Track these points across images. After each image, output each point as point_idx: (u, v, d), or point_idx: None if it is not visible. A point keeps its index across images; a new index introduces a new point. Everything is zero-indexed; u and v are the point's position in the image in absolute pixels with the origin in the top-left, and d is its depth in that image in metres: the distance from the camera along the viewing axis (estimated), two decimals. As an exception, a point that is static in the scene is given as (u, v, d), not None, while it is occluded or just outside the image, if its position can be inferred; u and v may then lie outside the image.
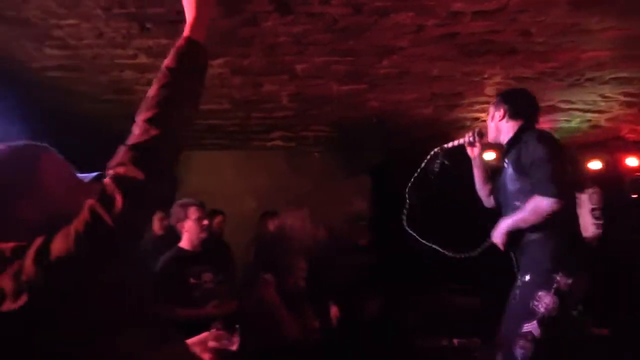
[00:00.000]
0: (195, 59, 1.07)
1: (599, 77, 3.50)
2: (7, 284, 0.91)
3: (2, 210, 1.02)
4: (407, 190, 2.59)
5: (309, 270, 3.54)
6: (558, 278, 2.04)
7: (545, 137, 2.16)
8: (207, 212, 3.15)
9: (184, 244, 2.93)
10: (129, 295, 1.05)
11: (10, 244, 0.98)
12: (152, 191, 0.96)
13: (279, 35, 2.92)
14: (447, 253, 2.49)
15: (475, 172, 2.52)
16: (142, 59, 3.25)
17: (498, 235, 2.18)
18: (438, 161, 2.48)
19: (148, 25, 2.82)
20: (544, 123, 4.45)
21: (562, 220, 2.07)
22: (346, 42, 3.01)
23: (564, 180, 2.04)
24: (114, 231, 0.90)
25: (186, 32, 1.08)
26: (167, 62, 1.04)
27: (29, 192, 1.03)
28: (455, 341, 3.84)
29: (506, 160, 2.27)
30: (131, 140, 0.98)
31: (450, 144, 2.49)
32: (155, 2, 2.57)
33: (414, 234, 2.58)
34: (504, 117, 2.30)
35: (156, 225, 4.07)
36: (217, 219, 4.52)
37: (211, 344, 1.35)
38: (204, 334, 1.37)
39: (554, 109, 4.13)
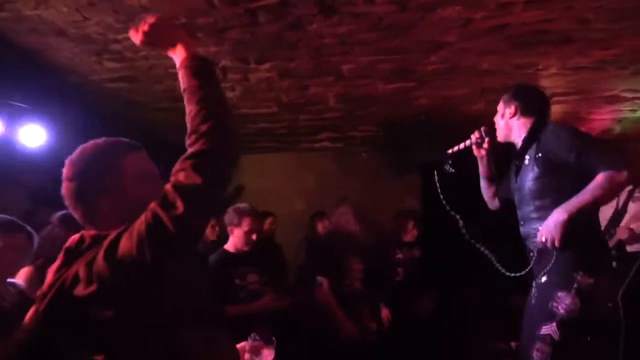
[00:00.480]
0: (206, 68, 1.13)
1: (667, 63, 3.26)
2: (82, 270, 1.00)
3: (86, 202, 1.10)
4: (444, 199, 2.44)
5: (364, 272, 3.53)
6: (579, 278, 1.91)
7: (569, 126, 2.07)
8: (259, 214, 3.20)
9: (229, 246, 2.99)
10: (186, 298, 1.09)
11: (91, 232, 1.06)
12: (210, 197, 1.00)
13: (324, 37, 2.94)
14: (502, 269, 2.36)
15: (482, 173, 2.44)
16: (194, 67, 3.38)
17: (556, 226, 1.89)
18: (446, 168, 2.39)
19: (198, 35, 2.92)
20: (606, 114, 4.21)
21: (582, 218, 1.93)
22: (392, 40, 2.98)
23: (619, 152, 1.92)
24: (173, 234, 0.94)
25: (184, 54, 1.14)
26: (186, 82, 1.10)
27: (110, 189, 1.10)
28: (513, 344, 3.69)
29: (527, 158, 2.13)
30: (189, 150, 1.02)
31: (455, 148, 2.37)
32: (204, 12, 2.66)
33: (480, 246, 2.46)
34: (515, 114, 2.20)
35: (209, 231, 4.18)
36: (268, 221, 4.60)
37: (246, 356, 1.36)
38: (242, 344, 1.39)
39: (617, 99, 3.89)
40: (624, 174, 1.85)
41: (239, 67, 3.39)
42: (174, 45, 1.15)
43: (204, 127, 1.01)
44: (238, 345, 1.39)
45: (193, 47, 1.15)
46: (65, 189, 1.13)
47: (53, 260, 1.12)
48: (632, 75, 3.44)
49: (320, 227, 4.44)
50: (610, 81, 3.54)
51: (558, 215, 1.90)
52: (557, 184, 1.99)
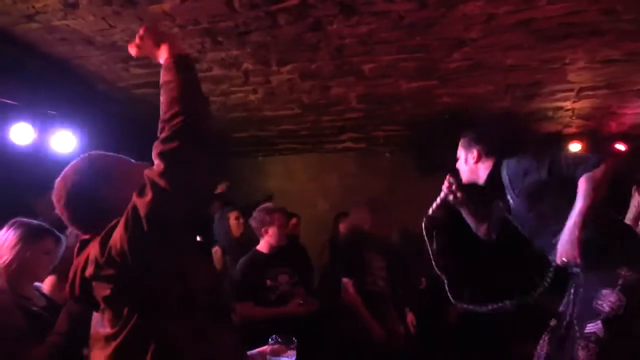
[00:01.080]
0: (183, 64, 1.17)
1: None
2: (91, 254, 1.08)
3: (93, 205, 1.18)
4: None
5: (387, 271, 3.50)
6: (623, 273, 1.87)
7: (526, 153, 2.16)
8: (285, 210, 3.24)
9: (262, 247, 3.02)
10: (176, 287, 1.12)
11: (112, 223, 1.10)
12: (176, 183, 1.01)
13: (345, 37, 2.94)
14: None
15: (467, 218, 2.46)
16: (216, 71, 3.43)
17: (572, 245, 1.87)
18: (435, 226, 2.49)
19: (220, 39, 2.96)
20: (638, 108, 4.07)
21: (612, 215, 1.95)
22: (413, 38, 2.96)
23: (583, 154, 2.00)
24: (145, 220, 0.99)
25: (165, 55, 1.18)
26: (162, 78, 1.14)
27: (107, 189, 1.18)
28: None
29: (510, 198, 2.18)
30: (159, 137, 1.06)
31: (432, 208, 2.41)
32: (225, 17, 2.70)
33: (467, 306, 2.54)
34: (479, 159, 2.26)
35: (234, 226, 4.21)
36: (292, 222, 4.61)
37: (267, 359, 1.36)
38: (264, 347, 1.40)
39: (648, 93, 3.76)
40: (600, 169, 1.90)
41: (261, 70, 3.42)
42: (159, 49, 1.21)
43: (173, 121, 1.05)
44: (258, 349, 1.40)
45: (175, 48, 1.20)
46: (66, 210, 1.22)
47: None
48: (665, 67, 3.32)
49: (342, 227, 4.43)
50: (641, 74, 3.43)
51: (568, 235, 1.90)
52: (552, 203, 2.03)
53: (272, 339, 1.40)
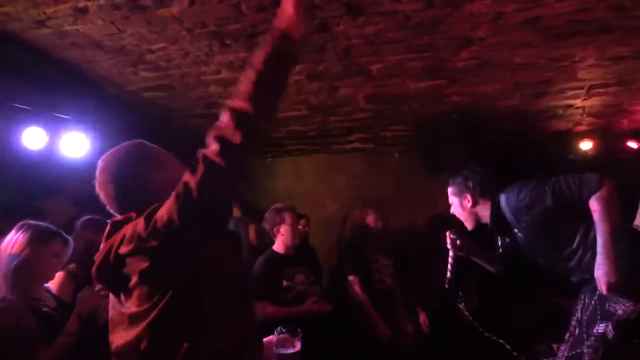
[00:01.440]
0: (287, 54, 1.19)
1: None
2: (129, 232, 1.13)
3: (139, 184, 1.24)
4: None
5: (395, 271, 3.49)
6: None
7: (516, 186, 2.15)
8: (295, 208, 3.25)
9: (278, 247, 3.04)
10: (213, 266, 1.17)
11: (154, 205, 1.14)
12: (228, 163, 1.07)
13: (352, 38, 2.94)
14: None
15: (479, 261, 2.48)
16: (225, 74, 3.45)
17: (614, 269, 1.85)
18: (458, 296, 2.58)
19: (228, 42, 2.98)
20: (648, 106, 4.02)
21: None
22: (421, 38, 2.95)
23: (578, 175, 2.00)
24: (196, 198, 1.03)
25: (283, 26, 1.19)
26: (260, 57, 1.15)
27: (154, 172, 1.26)
28: (555, 347, 3.57)
29: (517, 231, 2.18)
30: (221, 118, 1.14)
31: (449, 271, 2.41)
32: (233, 20, 2.71)
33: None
34: (474, 203, 2.26)
35: (252, 235, 4.28)
36: (302, 222, 4.61)
37: (274, 349, 1.38)
38: (270, 337, 1.42)
39: (659, 90, 3.71)
40: (606, 186, 1.91)
41: (269, 72, 3.43)
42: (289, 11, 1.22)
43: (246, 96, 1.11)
44: (266, 339, 1.42)
45: (298, 26, 1.21)
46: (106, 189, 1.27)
47: (83, 265, 1.23)
48: (676, 63, 3.28)
49: (348, 227, 4.45)
50: (652, 71, 3.39)
51: (606, 260, 1.87)
52: (562, 229, 2.05)
53: (277, 330, 1.41)
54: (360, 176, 5.58)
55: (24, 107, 3.33)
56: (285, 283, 2.90)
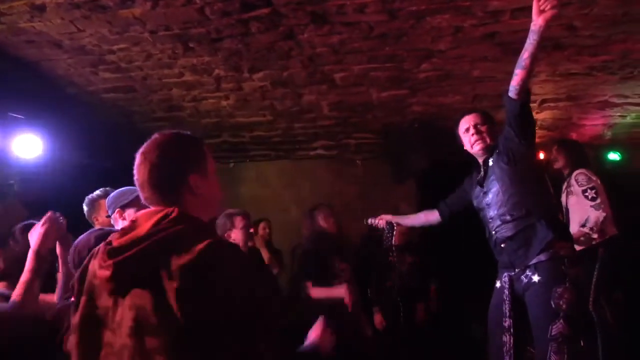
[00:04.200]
0: None
1: (656, 68, 3.30)
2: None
3: (177, 172, 1.18)
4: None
5: (353, 273, 3.51)
6: (566, 270, 1.99)
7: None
8: (252, 221, 3.22)
9: None
10: None
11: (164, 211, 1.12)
12: None
13: (317, 46, 2.97)
14: None
15: (410, 224, 2.93)
16: (188, 77, 3.41)
17: None
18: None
19: (191, 45, 2.95)
20: (597, 120, 4.25)
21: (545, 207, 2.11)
22: (384, 49, 3.02)
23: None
24: None
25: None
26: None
27: (197, 165, 1.21)
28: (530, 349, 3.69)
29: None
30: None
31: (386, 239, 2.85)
32: (197, 23, 2.69)
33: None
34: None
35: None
36: (261, 225, 4.61)
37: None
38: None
39: (606, 105, 3.92)
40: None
41: (233, 76, 3.42)
42: None
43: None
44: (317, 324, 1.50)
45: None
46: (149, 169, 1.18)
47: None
48: (620, 81, 3.49)
49: (305, 231, 4.47)
50: (599, 87, 3.59)
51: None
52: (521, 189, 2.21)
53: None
54: (324, 183, 5.61)
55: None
56: None
